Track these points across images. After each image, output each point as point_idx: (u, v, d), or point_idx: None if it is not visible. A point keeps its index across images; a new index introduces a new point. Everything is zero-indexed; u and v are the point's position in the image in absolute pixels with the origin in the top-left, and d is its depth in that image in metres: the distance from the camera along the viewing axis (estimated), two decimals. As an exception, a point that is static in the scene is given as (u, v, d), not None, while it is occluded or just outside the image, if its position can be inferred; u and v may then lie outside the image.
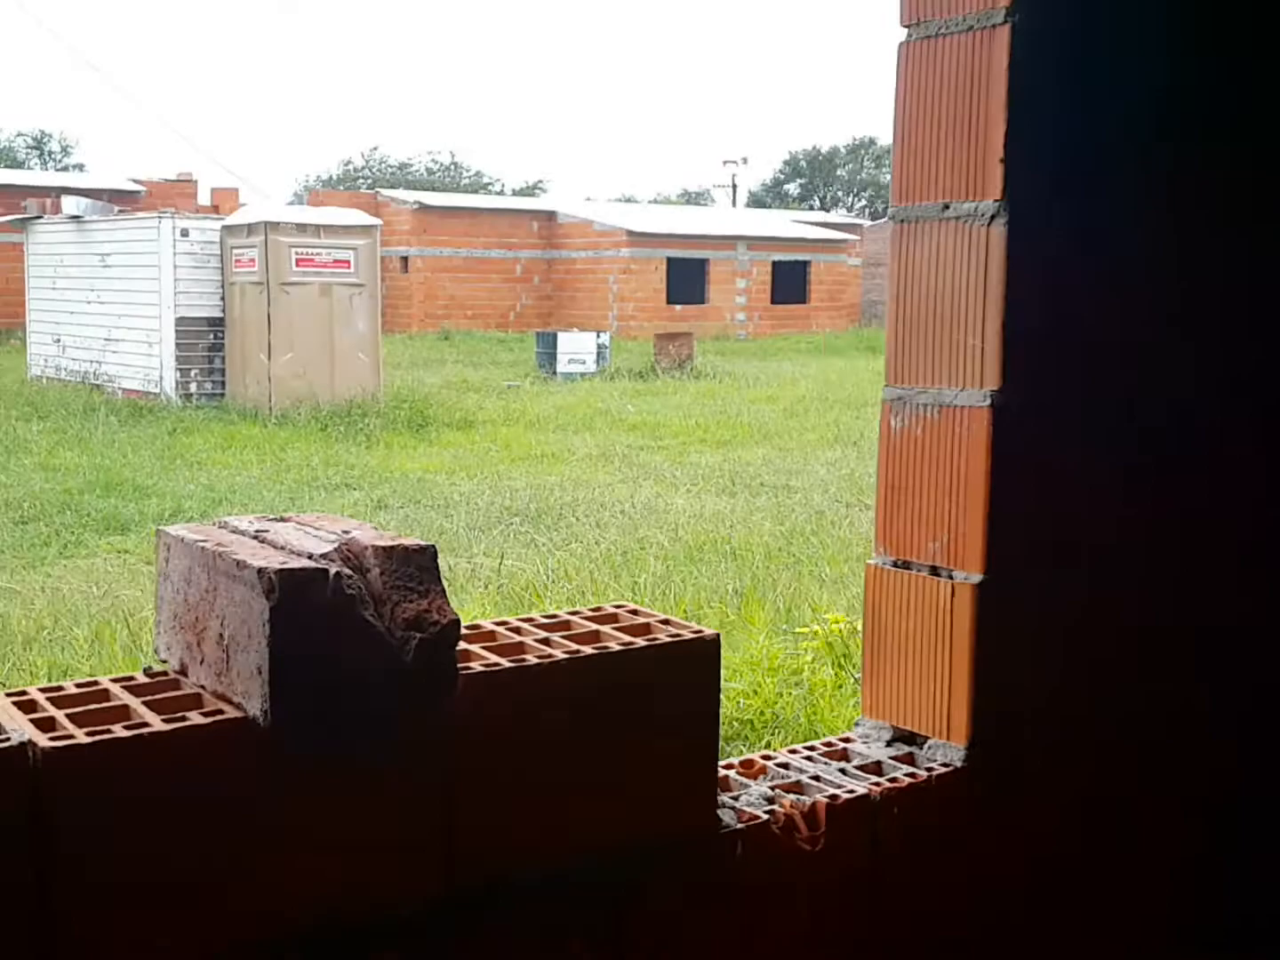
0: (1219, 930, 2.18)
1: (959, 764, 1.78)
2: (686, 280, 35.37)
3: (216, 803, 1.21)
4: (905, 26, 1.89)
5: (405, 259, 34.43)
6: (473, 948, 1.38)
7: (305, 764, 1.24)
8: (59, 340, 18.29)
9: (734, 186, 62.86)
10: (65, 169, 59.59)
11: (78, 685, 1.33)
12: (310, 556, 1.27)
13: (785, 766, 1.81)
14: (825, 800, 1.66)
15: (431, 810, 1.33)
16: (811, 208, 66.60)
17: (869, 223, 47.84)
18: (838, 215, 57.11)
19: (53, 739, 1.16)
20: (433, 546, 1.33)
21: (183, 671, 1.36)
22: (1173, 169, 1.92)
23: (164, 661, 1.41)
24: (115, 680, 1.35)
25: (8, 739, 1.14)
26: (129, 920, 1.17)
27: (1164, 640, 2.02)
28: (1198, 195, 1.99)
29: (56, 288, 18.40)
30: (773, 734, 3.67)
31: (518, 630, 1.57)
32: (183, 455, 11.59)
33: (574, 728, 1.43)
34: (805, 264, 38.03)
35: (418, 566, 1.30)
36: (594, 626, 1.58)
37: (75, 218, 17.91)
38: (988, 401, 1.76)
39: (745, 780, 1.77)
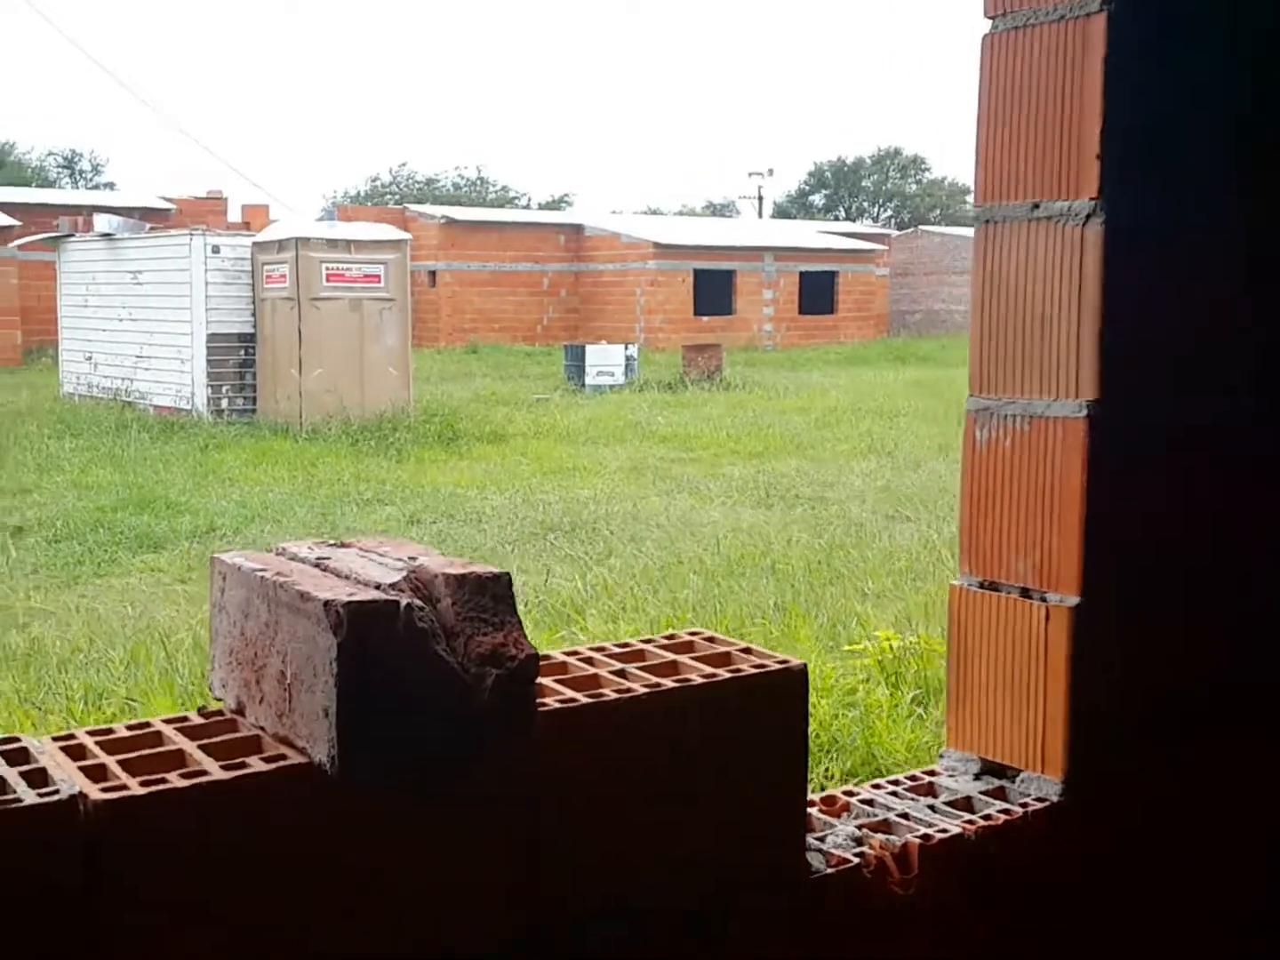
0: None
1: (1055, 798, 1.68)
2: (713, 291, 35.30)
3: (280, 853, 1.12)
4: (990, 18, 1.79)
5: (433, 273, 34.50)
6: (552, 999, 1.28)
7: (375, 811, 1.15)
8: (91, 357, 18.36)
9: (760, 198, 62.79)
10: (96, 187, 60.10)
11: (128, 727, 1.24)
12: (378, 587, 1.17)
13: (870, 803, 1.71)
14: (917, 840, 1.56)
15: (508, 852, 1.24)
16: (837, 218, 66.46)
17: (896, 233, 47.67)
18: (864, 225, 56.95)
19: (105, 789, 1.07)
20: (507, 574, 1.23)
21: (240, 711, 1.27)
22: (1263, 167, 1.82)
23: (219, 700, 1.32)
24: (168, 721, 1.26)
25: (56, 792, 1.05)
26: (189, 985, 1.08)
27: (1260, 667, 1.91)
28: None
29: (88, 305, 18.47)
30: (830, 758, 3.56)
31: (590, 661, 1.48)
32: (215, 471, 11.56)
33: (654, 765, 1.34)
34: (833, 274, 37.89)
35: (492, 596, 1.21)
36: (670, 656, 1.48)
37: (107, 236, 17.99)
38: (1083, 413, 1.66)
39: (829, 819, 1.67)
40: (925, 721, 3.80)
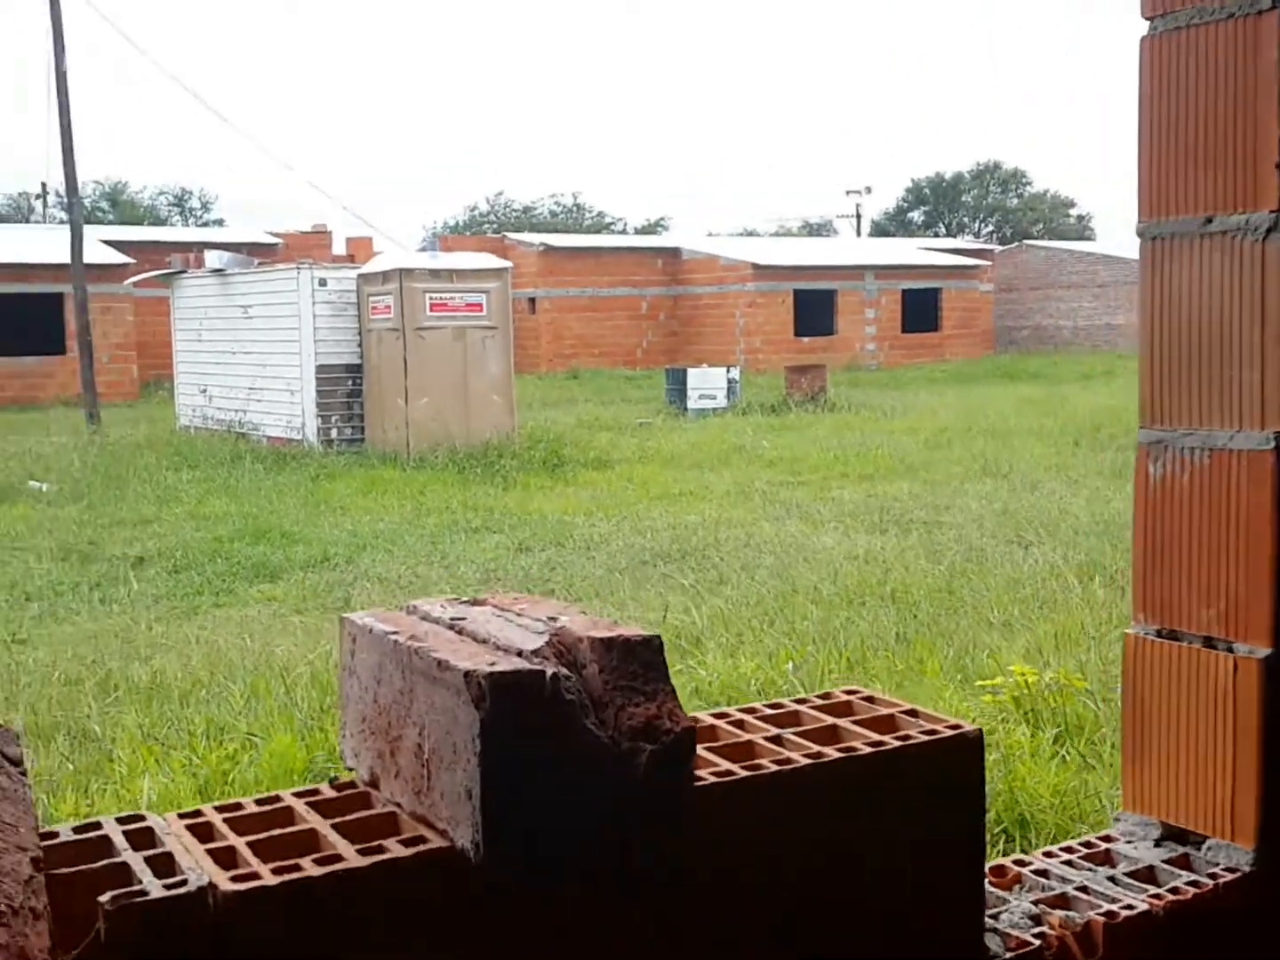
0: None
1: (1246, 868, 1.53)
2: (814, 312, 35.03)
3: (422, 944, 1.03)
4: (1148, 19, 1.66)
5: (533, 300, 34.76)
6: None
7: (521, 898, 1.05)
8: (205, 390, 18.79)
9: (858, 216, 62.33)
10: (206, 224, 61.83)
11: (257, 802, 1.17)
12: (520, 653, 1.08)
13: (1044, 874, 1.57)
14: (1100, 918, 1.43)
15: (662, 940, 1.14)
16: (937, 234, 65.66)
17: (999, 248, 46.92)
18: (964, 241, 56.18)
19: (235, 878, 0.99)
20: (657, 637, 1.13)
21: (374, 783, 1.19)
22: None
23: (350, 769, 1.24)
24: (298, 795, 1.18)
25: (185, 882, 0.98)
26: None
27: None
28: None
29: (202, 339, 18.92)
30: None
31: (741, 725, 1.37)
32: (326, 501, 11.70)
33: (816, 844, 1.22)
34: (936, 291, 37.38)
35: (642, 662, 1.11)
36: (828, 720, 1.37)
37: (218, 271, 18.42)
38: (1271, 444, 1.51)
39: (1000, 893, 1.54)
40: (1069, 764, 3.62)
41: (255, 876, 1.00)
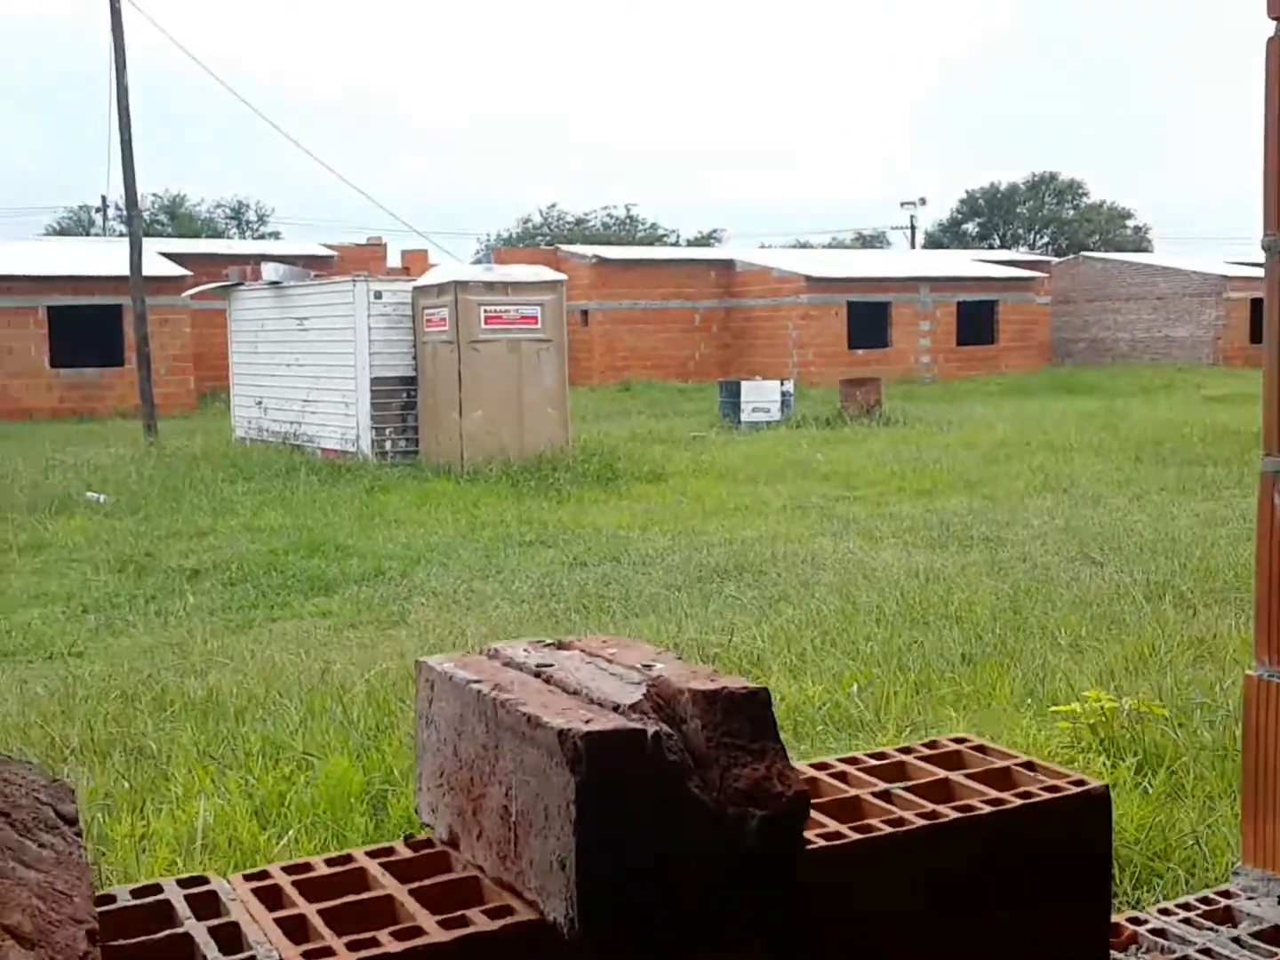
0: None
1: (1384, 932, 1.41)
2: (868, 324, 34.77)
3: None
4: (1276, 19, 1.55)
5: (585, 312, 34.77)
6: None
7: (616, 978, 0.96)
8: (260, 402, 18.90)
9: (912, 228, 61.89)
10: (262, 237, 62.44)
11: (327, 862, 1.08)
12: (618, 709, 0.99)
13: (1162, 934, 1.46)
14: (1232, 990, 1.32)
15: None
16: (991, 246, 65.04)
17: (1055, 259, 46.36)
18: (1020, 253, 55.61)
19: (307, 954, 0.91)
20: (764, 690, 1.04)
21: (452, 842, 1.10)
22: None
23: (426, 825, 1.16)
24: (371, 854, 1.09)
25: (253, 959, 0.89)
26: None
27: None
28: None
29: (258, 351, 19.05)
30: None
31: (844, 777, 1.27)
32: (380, 513, 11.69)
33: (934, 909, 1.12)
34: (992, 304, 37.00)
35: (747, 718, 1.02)
36: (939, 772, 1.27)
37: (274, 284, 18.53)
38: None
39: (1116, 954, 1.42)
40: (1151, 797, 3.47)
41: (329, 953, 0.92)
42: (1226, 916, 1.52)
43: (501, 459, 14.52)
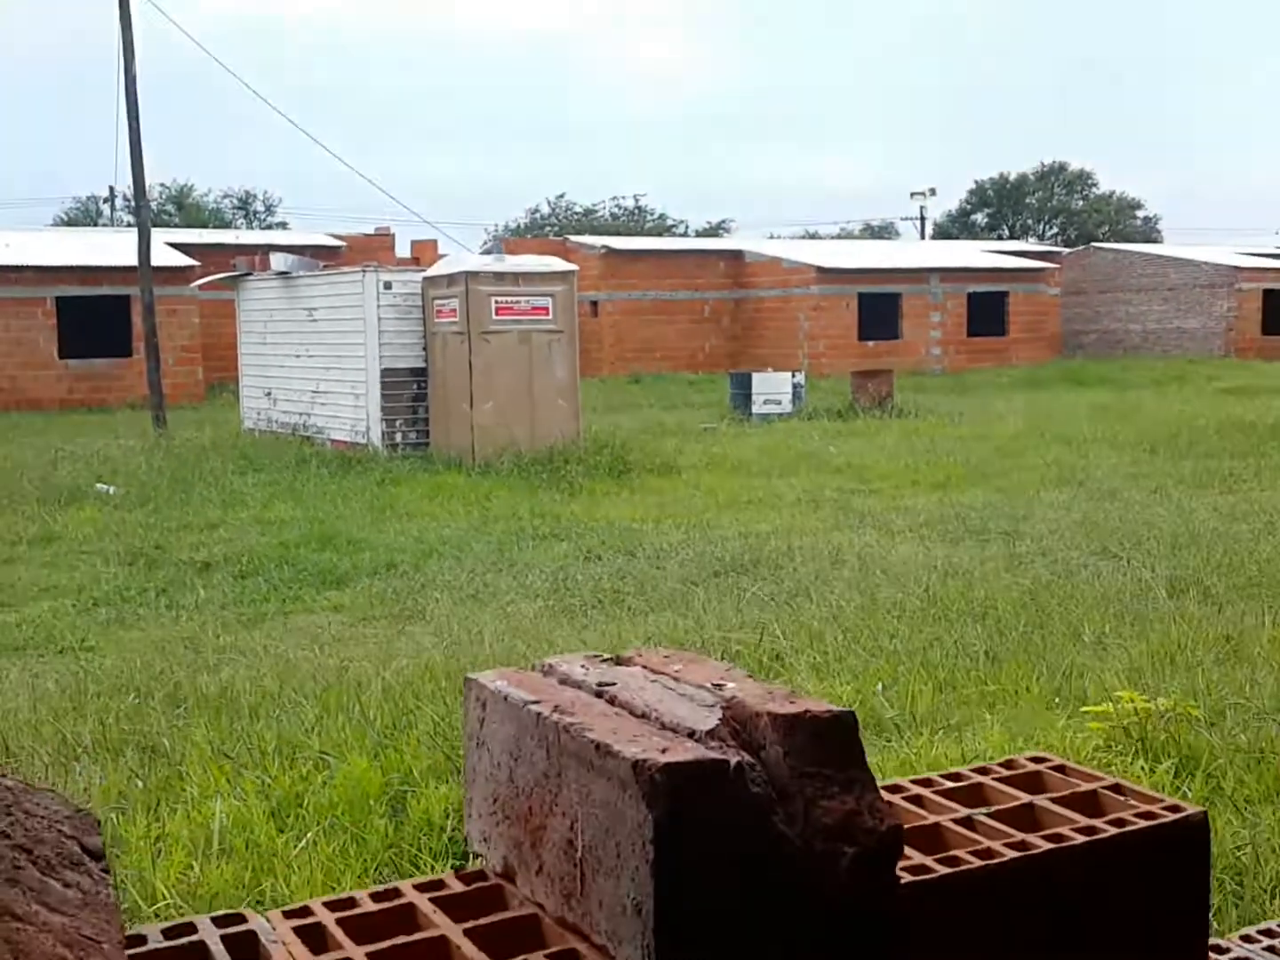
0: None
1: None
2: (878, 315, 34.63)
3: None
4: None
5: (595, 303, 34.65)
6: None
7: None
8: (270, 393, 18.83)
9: (922, 219, 61.64)
10: (270, 227, 62.30)
11: (373, 897, 1.00)
12: (693, 735, 0.91)
13: (1248, 965, 1.38)
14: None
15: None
16: (1001, 237, 64.76)
17: (1066, 250, 46.14)
18: (1030, 243, 55.36)
19: (360, 1008, 0.83)
20: (850, 714, 0.95)
21: (507, 875, 1.02)
22: None
23: (478, 855, 1.08)
24: (420, 888, 1.02)
25: (301, 1015, 0.82)
26: None
27: None
28: None
29: (266, 342, 18.97)
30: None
31: (919, 800, 1.19)
32: (391, 506, 11.61)
33: (1026, 951, 1.04)
34: (1002, 295, 36.84)
35: (834, 744, 0.94)
36: (1021, 796, 1.19)
37: (283, 274, 18.44)
38: None
39: (1202, 987, 1.34)
40: (1191, 802, 3.38)
41: (383, 1004, 0.84)
42: (1312, 943, 1.43)
43: (512, 451, 14.44)
